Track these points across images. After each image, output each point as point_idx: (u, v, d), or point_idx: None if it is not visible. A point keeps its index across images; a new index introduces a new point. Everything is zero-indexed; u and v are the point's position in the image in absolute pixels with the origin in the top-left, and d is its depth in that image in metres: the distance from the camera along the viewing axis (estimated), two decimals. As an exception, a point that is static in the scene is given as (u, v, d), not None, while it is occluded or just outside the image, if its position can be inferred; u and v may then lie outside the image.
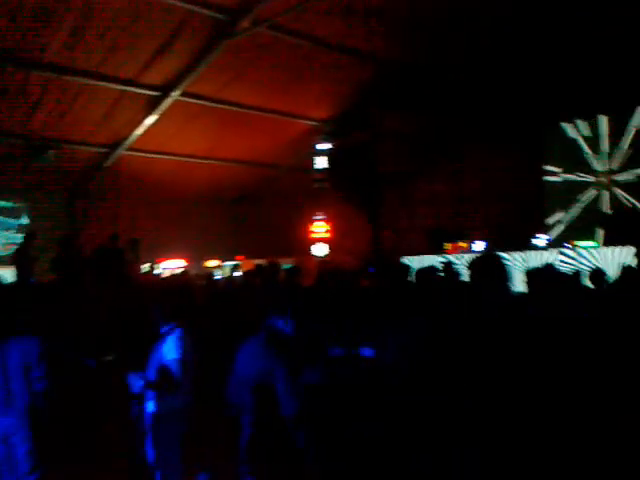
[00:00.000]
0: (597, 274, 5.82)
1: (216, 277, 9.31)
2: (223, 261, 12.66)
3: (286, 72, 10.63)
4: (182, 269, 11.10)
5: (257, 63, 10.17)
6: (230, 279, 8.88)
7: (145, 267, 10.43)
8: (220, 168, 13.20)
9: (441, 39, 10.19)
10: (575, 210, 12.11)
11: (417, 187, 13.96)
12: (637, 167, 11.32)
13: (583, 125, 12.13)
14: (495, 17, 9.68)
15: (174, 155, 12.31)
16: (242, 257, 12.53)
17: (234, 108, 11.29)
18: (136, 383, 3.48)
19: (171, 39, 9.14)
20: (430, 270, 4.78)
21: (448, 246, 10.67)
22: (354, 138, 12.60)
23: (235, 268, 9.12)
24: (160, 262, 11.95)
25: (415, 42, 10.27)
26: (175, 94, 10.23)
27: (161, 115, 10.61)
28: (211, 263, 12.75)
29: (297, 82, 11.04)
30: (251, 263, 9.26)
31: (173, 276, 9.43)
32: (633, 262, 7.98)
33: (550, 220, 12.31)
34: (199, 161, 12.74)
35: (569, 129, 12.31)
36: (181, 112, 10.86)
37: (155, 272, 11.21)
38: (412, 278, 4.72)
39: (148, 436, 3.62)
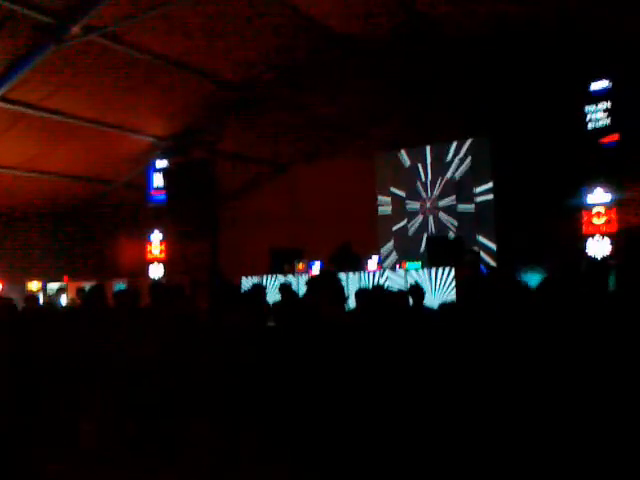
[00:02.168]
0: (415, 289, 6.25)
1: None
2: (46, 283, 11.66)
3: (121, 85, 10.14)
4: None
5: (89, 73, 9.59)
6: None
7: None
8: (45, 182, 12.21)
9: (280, 62, 10.43)
10: (404, 236, 12.93)
11: (256, 207, 14.04)
12: (454, 193, 12.44)
13: (411, 153, 13.06)
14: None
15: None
16: (67, 279, 11.64)
17: (62, 118, 10.53)
18: None
19: (-13, 39, 8.34)
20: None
21: (286, 267, 10.78)
22: (192, 156, 12.40)
23: (59, 291, 8.39)
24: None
25: (256, 64, 10.41)
26: (-8, 99, 9.32)
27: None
28: (33, 285, 11.67)
29: (133, 96, 10.60)
30: (76, 285, 8.61)
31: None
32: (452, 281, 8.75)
33: (383, 249, 12.99)
34: (19, 173, 11.68)
35: (399, 157, 13.17)
36: (-1, 119, 9.91)
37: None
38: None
39: None
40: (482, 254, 11.62)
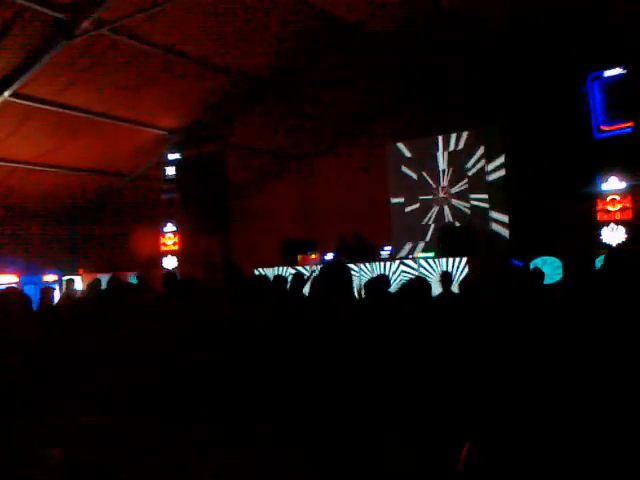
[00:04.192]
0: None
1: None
2: (61, 276, 11.78)
3: (133, 79, 10.18)
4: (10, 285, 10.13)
5: (100, 67, 9.63)
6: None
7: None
8: (59, 176, 12.33)
9: (291, 53, 10.40)
10: (422, 229, 12.87)
11: (268, 199, 14.08)
12: (463, 179, 12.38)
13: (423, 143, 13.00)
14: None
15: (3, 161, 11.29)
16: (82, 271, 11.78)
17: (74, 113, 10.59)
18: None
19: (0, 35, 8.40)
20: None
21: (299, 258, 10.81)
22: (204, 149, 12.43)
23: (70, 282, 8.50)
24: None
25: (267, 56, 10.39)
26: (5, 94, 9.39)
27: (-13, 117, 9.71)
28: (48, 277, 11.81)
29: (145, 90, 10.64)
30: (91, 277, 8.71)
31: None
32: (465, 270, 8.72)
33: (397, 240, 12.89)
34: (33, 167, 11.80)
35: (411, 147, 13.10)
36: (12, 115, 9.99)
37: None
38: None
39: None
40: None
